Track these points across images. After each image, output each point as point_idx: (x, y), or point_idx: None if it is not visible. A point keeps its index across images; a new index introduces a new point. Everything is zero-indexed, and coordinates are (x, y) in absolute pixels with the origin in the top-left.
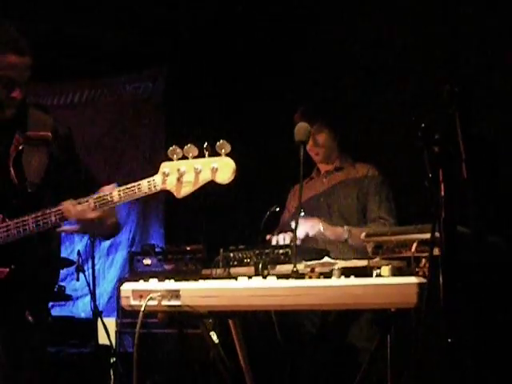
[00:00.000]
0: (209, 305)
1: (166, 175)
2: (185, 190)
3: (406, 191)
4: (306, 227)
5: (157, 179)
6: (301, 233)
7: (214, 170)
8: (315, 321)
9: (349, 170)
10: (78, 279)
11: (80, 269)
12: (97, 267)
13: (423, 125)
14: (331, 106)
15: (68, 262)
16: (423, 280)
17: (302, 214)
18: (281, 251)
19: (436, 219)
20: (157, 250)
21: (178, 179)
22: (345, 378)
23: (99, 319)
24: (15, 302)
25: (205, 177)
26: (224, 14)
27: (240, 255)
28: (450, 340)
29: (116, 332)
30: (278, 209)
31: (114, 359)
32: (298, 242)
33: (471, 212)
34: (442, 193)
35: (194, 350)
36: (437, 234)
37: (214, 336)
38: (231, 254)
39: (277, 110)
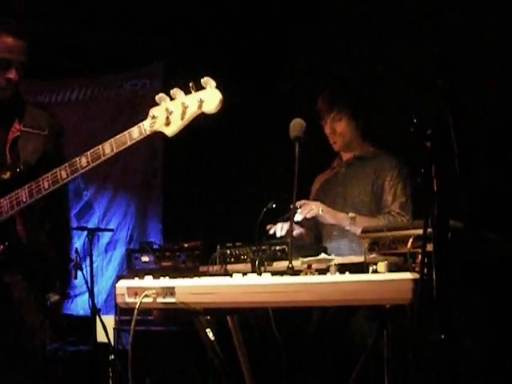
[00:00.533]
0: (203, 302)
1: (154, 118)
2: (174, 127)
3: None
4: (305, 210)
5: (145, 123)
6: (299, 216)
7: (201, 102)
8: (313, 317)
9: (369, 160)
10: (75, 277)
11: (78, 266)
12: (95, 265)
13: (415, 120)
14: (352, 94)
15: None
16: (418, 276)
17: (299, 211)
18: (278, 248)
19: (428, 215)
20: (155, 247)
21: (167, 118)
22: (342, 373)
23: (97, 317)
24: (7, 289)
25: (192, 110)
26: (221, 10)
27: (237, 252)
28: (443, 336)
29: (114, 329)
30: (274, 205)
31: (113, 357)
32: (297, 232)
33: (464, 207)
34: (435, 188)
35: (192, 347)
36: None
37: (210, 333)
38: (228, 251)
39: (277, 108)
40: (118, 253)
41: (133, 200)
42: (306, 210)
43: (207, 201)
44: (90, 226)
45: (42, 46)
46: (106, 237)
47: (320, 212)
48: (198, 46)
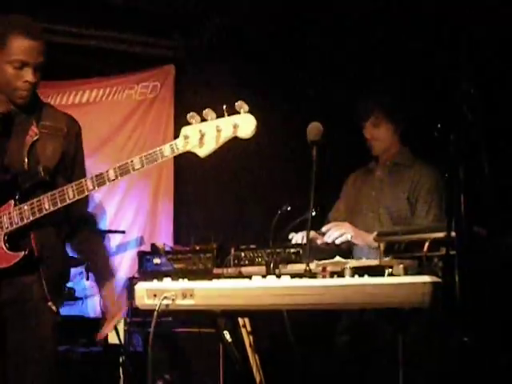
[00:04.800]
0: (223, 304)
1: (187, 137)
2: (207, 149)
3: None
4: (336, 234)
5: (178, 142)
6: (329, 238)
7: (236, 127)
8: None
9: (406, 167)
10: (87, 278)
11: (89, 268)
12: None
13: (439, 125)
14: (391, 99)
15: (77, 262)
16: (437, 279)
17: (314, 213)
18: (292, 250)
19: (452, 218)
20: (166, 249)
21: (200, 139)
22: (357, 376)
23: None
24: (25, 289)
25: (227, 134)
26: (234, 12)
27: (251, 254)
28: (465, 339)
29: (125, 331)
30: (289, 208)
31: (124, 358)
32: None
33: (489, 211)
34: (459, 192)
35: (205, 349)
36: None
37: (227, 335)
38: (242, 254)
39: (290, 110)
40: (129, 255)
41: (143, 201)
42: (337, 234)
43: (219, 202)
44: (101, 227)
45: (52, 46)
46: (116, 239)
47: (350, 238)
48: (210, 49)
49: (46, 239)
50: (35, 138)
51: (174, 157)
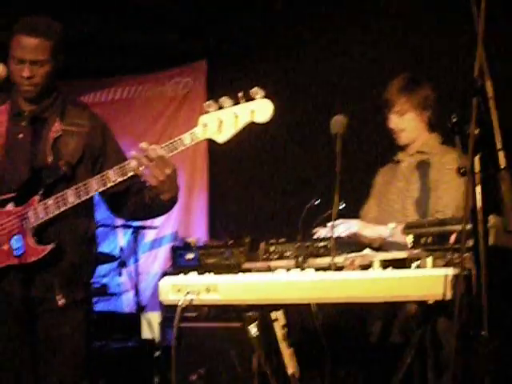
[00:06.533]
0: (247, 298)
1: (205, 126)
2: (226, 135)
3: None
4: (341, 229)
5: (197, 130)
6: (335, 234)
7: (253, 112)
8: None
9: (432, 155)
10: (120, 274)
11: (123, 264)
12: (140, 262)
13: (454, 117)
14: (418, 85)
15: (111, 258)
16: (462, 271)
17: (344, 205)
18: (321, 244)
19: (468, 210)
20: (199, 244)
21: (219, 127)
22: (384, 372)
23: (143, 314)
24: (52, 283)
25: (244, 119)
26: (265, 9)
27: (280, 248)
28: (483, 333)
29: (159, 326)
30: (317, 202)
31: (158, 353)
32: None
33: (507, 202)
34: (475, 184)
35: (236, 343)
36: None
37: (253, 329)
38: (272, 248)
39: (316, 103)
40: (163, 250)
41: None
42: (342, 228)
43: (254, 196)
44: (135, 223)
45: (88, 46)
46: (151, 234)
47: (355, 231)
48: (242, 45)
49: (65, 232)
50: (58, 135)
51: (209, 152)
